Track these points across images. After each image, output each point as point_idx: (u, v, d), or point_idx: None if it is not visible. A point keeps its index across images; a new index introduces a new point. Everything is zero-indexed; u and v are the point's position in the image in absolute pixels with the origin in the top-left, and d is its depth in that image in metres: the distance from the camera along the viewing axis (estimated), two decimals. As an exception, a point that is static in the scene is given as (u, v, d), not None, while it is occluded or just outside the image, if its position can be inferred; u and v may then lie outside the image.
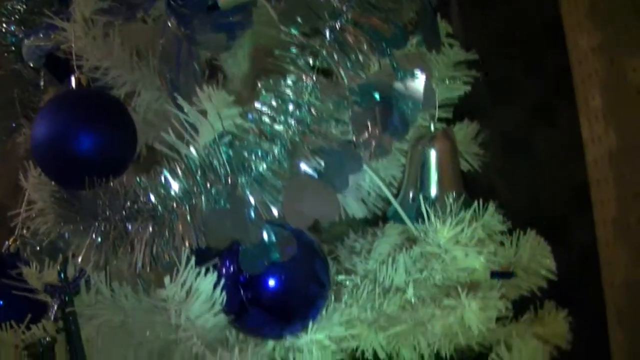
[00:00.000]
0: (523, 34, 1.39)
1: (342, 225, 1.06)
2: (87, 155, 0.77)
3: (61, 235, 0.84)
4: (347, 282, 0.84)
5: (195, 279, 0.67)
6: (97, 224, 0.75)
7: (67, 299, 0.72)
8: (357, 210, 1.06)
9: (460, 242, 0.73)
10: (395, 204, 0.83)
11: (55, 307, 0.73)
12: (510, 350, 0.82)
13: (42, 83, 1.01)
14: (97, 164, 0.77)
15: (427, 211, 0.75)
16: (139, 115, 0.90)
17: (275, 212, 0.68)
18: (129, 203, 0.74)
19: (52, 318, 0.72)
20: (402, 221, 0.84)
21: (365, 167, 0.92)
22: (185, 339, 0.70)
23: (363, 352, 0.87)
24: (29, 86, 1.05)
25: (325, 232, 1.04)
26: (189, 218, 0.71)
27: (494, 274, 0.82)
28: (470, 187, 0.94)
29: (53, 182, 0.84)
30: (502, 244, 0.88)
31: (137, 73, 0.89)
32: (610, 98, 1.31)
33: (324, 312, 0.73)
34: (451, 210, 0.74)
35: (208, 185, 0.70)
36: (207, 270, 0.68)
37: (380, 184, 0.87)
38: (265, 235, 0.66)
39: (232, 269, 0.69)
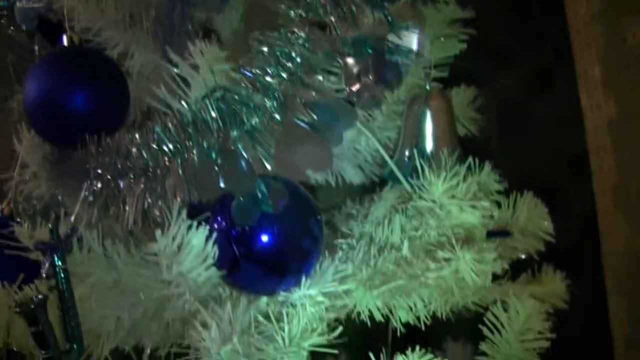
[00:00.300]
0: (521, 1, 1.38)
1: (340, 195, 1.05)
2: (80, 112, 0.77)
3: (54, 198, 0.83)
4: (343, 245, 0.83)
5: (187, 232, 0.66)
6: (89, 181, 0.74)
7: (58, 256, 0.71)
8: (353, 176, 1.05)
9: (455, 197, 0.72)
10: (390, 162, 0.82)
11: (47, 265, 0.72)
12: (506, 310, 0.81)
13: (36, 48, 1.00)
14: (89, 121, 0.77)
15: (421, 166, 0.73)
16: (133, 81, 0.89)
17: (267, 165, 0.67)
18: (120, 160, 0.73)
19: (44, 275, 0.71)
20: (397, 180, 0.83)
21: (361, 128, 0.91)
22: (177, 295, 0.69)
23: (359, 314, 0.87)
24: (23, 52, 1.04)
25: (324, 202, 1.04)
26: (180, 172, 0.70)
27: (490, 233, 0.81)
28: (467, 155, 0.92)
29: (46, 143, 0.84)
30: (498, 204, 0.87)
31: (130, 34, 0.88)
32: (609, 65, 1.30)
33: (317, 268, 0.72)
34: (446, 165, 0.72)
35: (200, 139, 0.69)
36: (199, 224, 0.67)
37: (377, 143, 0.86)
38: (257, 187, 0.65)
39: (224, 223, 0.69)
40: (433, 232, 0.74)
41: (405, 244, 0.74)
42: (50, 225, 0.74)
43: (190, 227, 0.67)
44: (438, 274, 0.66)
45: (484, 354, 0.81)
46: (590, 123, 1.39)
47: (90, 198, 0.74)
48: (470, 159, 0.76)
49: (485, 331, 0.81)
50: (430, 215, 0.74)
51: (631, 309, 1.31)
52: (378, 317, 0.86)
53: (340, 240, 0.84)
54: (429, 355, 0.66)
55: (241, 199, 0.66)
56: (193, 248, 0.66)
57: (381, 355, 0.69)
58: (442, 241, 0.68)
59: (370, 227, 0.87)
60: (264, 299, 0.72)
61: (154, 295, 0.74)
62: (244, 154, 0.67)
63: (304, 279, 0.70)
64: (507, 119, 1.43)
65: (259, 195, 0.66)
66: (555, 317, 0.90)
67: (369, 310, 0.86)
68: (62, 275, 0.72)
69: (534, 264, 0.95)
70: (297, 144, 0.68)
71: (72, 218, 0.74)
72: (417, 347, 0.66)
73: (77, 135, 0.74)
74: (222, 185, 0.66)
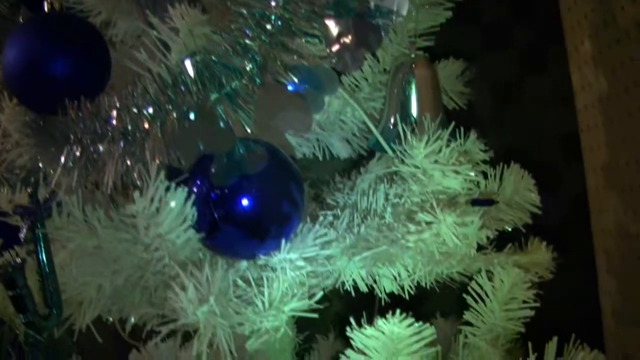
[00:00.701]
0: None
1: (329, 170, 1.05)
2: (60, 78, 0.76)
3: (34, 163, 0.83)
4: (328, 214, 0.82)
5: (165, 194, 0.65)
6: (69, 147, 0.74)
7: (37, 220, 0.71)
8: (341, 149, 1.05)
9: (438, 162, 0.71)
10: (375, 130, 0.81)
11: (25, 229, 0.71)
12: (491, 280, 0.81)
13: (20, 20, 0.99)
14: (69, 87, 0.76)
15: (404, 130, 0.73)
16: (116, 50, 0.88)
17: (247, 128, 0.66)
18: (100, 124, 0.72)
19: (22, 239, 0.71)
20: (382, 149, 0.83)
21: (347, 98, 0.90)
22: (157, 258, 0.68)
23: (343, 284, 0.86)
24: (7, 24, 1.03)
25: (312, 177, 1.03)
26: (160, 135, 0.69)
27: (475, 201, 0.80)
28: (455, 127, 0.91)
29: (28, 111, 0.83)
30: (485, 175, 0.87)
31: (113, 1, 0.87)
32: (600, 41, 1.29)
33: (298, 233, 0.72)
34: (429, 129, 0.72)
35: (179, 101, 0.69)
36: (178, 185, 0.67)
37: (362, 113, 0.85)
38: (236, 149, 0.64)
39: (203, 186, 0.68)
40: (416, 198, 0.73)
41: (388, 210, 0.73)
42: (29, 190, 0.73)
43: (168, 188, 0.66)
44: (418, 237, 0.65)
45: (468, 323, 0.80)
46: (581, 101, 1.38)
47: (70, 163, 0.74)
48: (455, 127, 0.75)
49: (470, 300, 0.80)
50: (413, 181, 0.73)
51: (621, 287, 1.31)
52: (362, 287, 0.86)
53: (326, 212, 0.84)
54: (410, 320, 0.65)
55: (220, 160, 0.65)
56: (171, 209, 0.65)
57: (362, 321, 0.68)
58: (425, 205, 0.67)
59: (355, 198, 0.87)
60: (244, 263, 0.72)
61: (135, 260, 0.73)
62: (223, 116, 0.66)
63: (284, 242, 0.69)
64: (498, 98, 1.42)
65: (238, 157, 0.65)
66: (546, 295, 0.90)
67: (353, 280, 0.85)
68: (41, 239, 0.72)
69: (522, 237, 0.94)
70: (277, 107, 0.67)
71: (52, 183, 0.73)
72: (398, 312, 0.65)
73: (57, 100, 0.73)
74: (200, 146, 0.65)
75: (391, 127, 0.82)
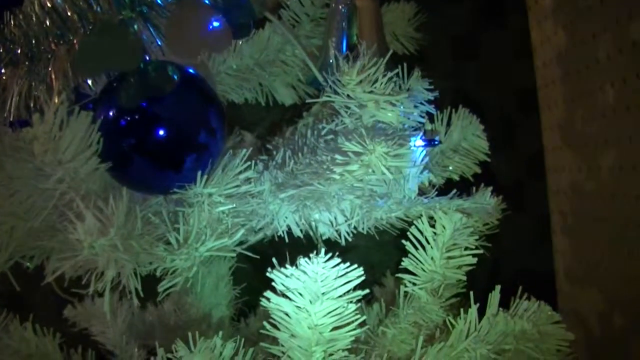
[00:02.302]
0: None
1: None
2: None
3: None
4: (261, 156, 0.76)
5: (68, 118, 0.58)
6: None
7: None
8: (285, 96, 0.99)
9: (373, 93, 0.65)
10: (310, 62, 0.75)
11: None
12: (433, 226, 0.75)
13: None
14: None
15: (336, 58, 0.67)
16: None
17: (159, 44, 0.60)
18: (3, 46, 0.65)
19: None
20: (320, 85, 0.77)
21: (286, 33, 0.84)
22: (61, 192, 0.61)
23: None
24: None
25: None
26: (66, 55, 0.63)
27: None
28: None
29: None
30: (430, 117, 0.81)
31: None
32: (560, -7, 1.24)
33: (219, 168, 0.65)
34: (363, 56, 0.66)
35: (87, 18, 0.62)
36: (82, 109, 0.60)
37: (297, 44, 0.79)
38: (145, 68, 0.58)
39: (111, 112, 0.61)
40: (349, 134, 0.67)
41: (321, 145, 0.67)
42: None
43: (71, 112, 0.59)
44: (344, 169, 0.59)
45: (406, 271, 0.75)
46: (540, 57, 1.34)
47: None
48: (391, 51, 0.69)
49: (409, 247, 0.75)
50: (346, 114, 0.67)
51: (574, 247, 1.28)
52: (296, 232, 0.80)
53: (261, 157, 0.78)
54: (336, 260, 0.60)
55: (128, 80, 0.59)
56: (74, 135, 0.58)
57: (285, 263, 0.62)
58: (354, 136, 0.61)
59: (290, 136, 0.81)
60: (158, 198, 0.65)
61: (42, 192, 0.66)
62: (134, 33, 0.60)
63: (200, 175, 0.63)
64: (456, 52, 1.37)
65: (148, 77, 0.59)
66: (499, 256, 0.85)
67: (288, 226, 0.80)
68: None
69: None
70: (192, 23, 0.60)
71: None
72: (323, 251, 0.59)
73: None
74: (106, 64, 0.58)
75: (330, 60, 0.76)
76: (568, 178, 1.27)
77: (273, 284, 0.61)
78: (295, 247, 0.78)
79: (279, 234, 0.80)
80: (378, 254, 1.30)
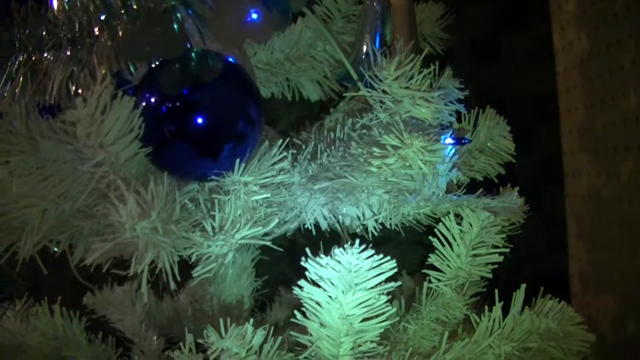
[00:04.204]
0: None
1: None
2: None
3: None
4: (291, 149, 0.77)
5: (111, 102, 0.59)
6: (15, 56, 0.67)
7: (-27, 131, 0.64)
8: (311, 91, 0.99)
9: (409, 88, 0.66)
10: (344, 58, 0.76)
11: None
12: (459, 223, 0.76)
13: None
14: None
15: (374, 53, 0.67)
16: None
17: (204, 34, 0.61)
18: (48, 29, 0.66)
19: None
20: (352, 81, 0.77)
21: (319, 26, 0.84)
22: (100, 175, 0.62)
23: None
24: None
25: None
26: (109, 41, 0.63)
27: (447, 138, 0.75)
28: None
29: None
30: (459, 116, 0.82)
31: None
32: (584, -1, 1.25)
33: (256, 157, 0.66)
34: (400, 53, 0.66)
35: (131, 5, 0.63)
36: (125, 94, 0.61)
37: (331, 40, 0.79)
38: (189, 56, 0.59)
39: (153, 99, 0.62)
40: (384, 128, 0.68)
41: (354, 138, 0.68)
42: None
43: (114, 96, 0.60)
44: (382, 162, 0.60)
45: (432, 267, 0.76)
46: (561, 62, 1.35)
47: (14, 70, 0.68)
48: (426, 49, 0.70)
49: (436, 243, 0.76)
50: (381, 109, 0.68)
51: (589, 252, 1.28)
52: (324, 225, 0.81)
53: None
54: (370, 252, 0.60)
55: (171, 67, 0.60)
56: (117, 118, 0.59)
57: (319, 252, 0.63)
58: (392, 129, 0.62)
59: (320, 133, 0.82)
60: (194, 185, 0.66)
61: (82, 182, 0.67)
62: (177, 21, 0.61)
63: (238, 163, 0.64)
64: (477, 55, 1.38)
65: (191, 65, 0.60)
66: (515, 258, 0.86)
67: (315, 221, 0.81)
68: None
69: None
70: (235, 11, 0.61)
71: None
72: (357, 242, 0.60)
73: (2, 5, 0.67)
74: (149, 51, 0.59)
75: (363, 56, 0.77)
76: (586, 183, 1.28)
77: (306, 272, 0.62)
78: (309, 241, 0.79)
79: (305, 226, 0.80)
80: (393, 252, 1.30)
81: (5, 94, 0.69)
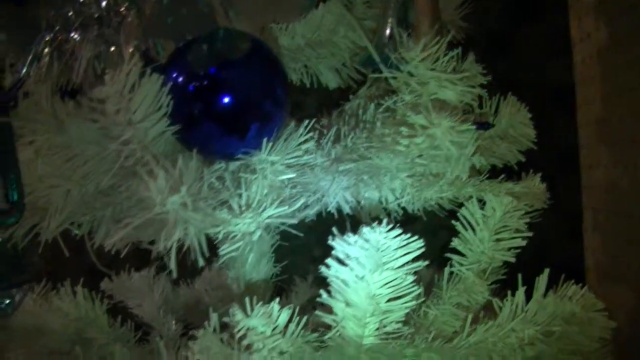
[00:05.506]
0: None
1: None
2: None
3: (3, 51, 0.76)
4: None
5: (139, 79, 0.59)
6: (41, 35, 0.68)
7: (1, 108, 0.65)
8: (330, 79, 0.99)
9: (434, 70, 0.66)
10: (368, 43, 0.76)
11: (-12, 116, 0.65)
12: (482, 207, 0.76)
13: None
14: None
15: (399, 34, 0.67)
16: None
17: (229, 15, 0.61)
18: (74, 10, 0.66)
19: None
20: (374, 64, 0.77)
21: (342, 10, 0.84)
22: (128, 153, 0.62)
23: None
24: None
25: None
26: (136, 20, 0.64)
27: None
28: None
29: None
30: (481, 101, 0.82)
31: None
32: (603, -11, 1.24)
33: (282, 138, 0.66)
34: (426, 34, 0.66)
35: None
36: (154, 70, 0.61)
37: (355, 24, 0.79)
38: (216, 34, 0.59)
39: (181, 77, 0.62)
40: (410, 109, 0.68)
41: (379, 119, 0.68)
42: (-7, 76, 0.67)
43: (143, 74, 0.60)
44: (411, 141, 0.60)
45: (454, 251, 0.76)
46: (579, 54, 1.34)
47: (41, 50, 0.68)
48: (450, 34, 0.70)
49: (459, 227, 0.75)
50: (407, 91, 0.68)
51: (605, 244, 1.27)
52: (346, 209, 0.81)
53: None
54: (397, 231, 0.60)
55: (199, 45, 0.60)
56: (145, 95, 0.59)
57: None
58: (419, 109, 0.62)
59: (341, 118, 0.82)
60: (221, 164, 0.66)
61: (105, 162, 0.67)
62: (206, -2, 0.61)
63: (265, 142, 0.64)
64: (494, 46, 1.37)
65: (218, 43, 0.60)
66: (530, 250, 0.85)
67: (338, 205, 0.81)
68: (5, 128, 0.66)
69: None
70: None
71: (22, 71, 0.67)
72: (385, 221, 0.60)
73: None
74: (177, 29, 0.59)
75: (386, 40, 0.76)
76: (603, 175, 1.27)
77: (333, 252, 0.62)
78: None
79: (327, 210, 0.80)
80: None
81: (32, 74, 0.69)
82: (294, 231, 0.73)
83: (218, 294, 1.03)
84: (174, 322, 0.99)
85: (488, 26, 1.34)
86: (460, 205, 0.78)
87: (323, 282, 0.71)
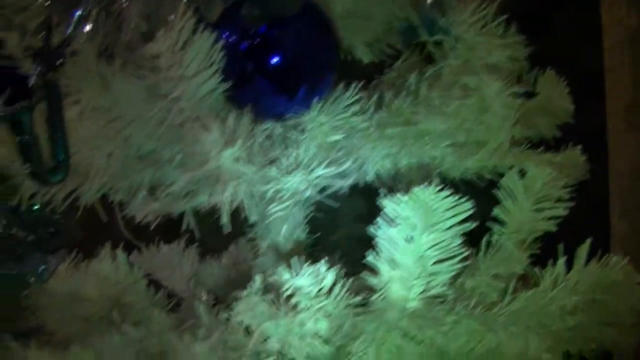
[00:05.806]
0: None
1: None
2: None
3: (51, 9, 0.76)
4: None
5: (192, 35, 0.60)
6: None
7: (49, 66, 0.65)
8: (364, 53, 0.99)
9: (482, 35, 0.66)
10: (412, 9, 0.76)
11: (36, 75, 0.65)
12: (523, 177, 0.76)
13: None
14: None
15: (449, 1, 0.67)
16: None
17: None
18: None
19: (32, 85, 0.65)
20: (413, 34, 0.77)
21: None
22: (177, 110, 0.62)
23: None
24: None
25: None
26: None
27: (513, 91, 0.75)
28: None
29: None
30: (521, 73, 0.82)
31: None
32: (636, -27, 1.24)
33: (331, 99, 0.66)
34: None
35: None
36: (206, 27, 0.61)
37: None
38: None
39: (233, 35, 0.62)
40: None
41: (424, 85, 0.68)
42: (42, 35, 0.68)
43: (195, 30, 0.60)
44: (462, 102, 0.60)
45: (496, 220, 0.76)
46: (609, 39, 1.34)
47: (89, 10, 0.68)
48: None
49: (501, 196, 0.75)
50: (454, 56, 0.67)
51: (633, 230, 1.27)
52: (384, 179, 0.81)
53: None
54: (446, 192, 0.60)
55: (249, 2, 0.60)
56: (197, 51, 0.59)
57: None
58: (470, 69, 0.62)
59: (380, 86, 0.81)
60: (271, 123, 0.66)
61: (148, 118, 0.67)
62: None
63: (316, 102, 0.64)
64: (523, 31, 1.37)
65: (270, 0, 0.60)
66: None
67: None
68: (52, 87, 0.66)
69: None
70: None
71: (68, 29, 0.67)
72: (434, 183, 0.60)
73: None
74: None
75: (429, 6, 0.76)
76: (631, 161, 1.27)
77: (383, 212, 0.62)
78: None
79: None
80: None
81: (79, 34, 0.70)
82: (330, 202, 0.73)
83: (244, 268, 1.03)
84: (204, 293, 0.99)
85: (518, 11, 1.33)
86: (499, 176, 0.77)
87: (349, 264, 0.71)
